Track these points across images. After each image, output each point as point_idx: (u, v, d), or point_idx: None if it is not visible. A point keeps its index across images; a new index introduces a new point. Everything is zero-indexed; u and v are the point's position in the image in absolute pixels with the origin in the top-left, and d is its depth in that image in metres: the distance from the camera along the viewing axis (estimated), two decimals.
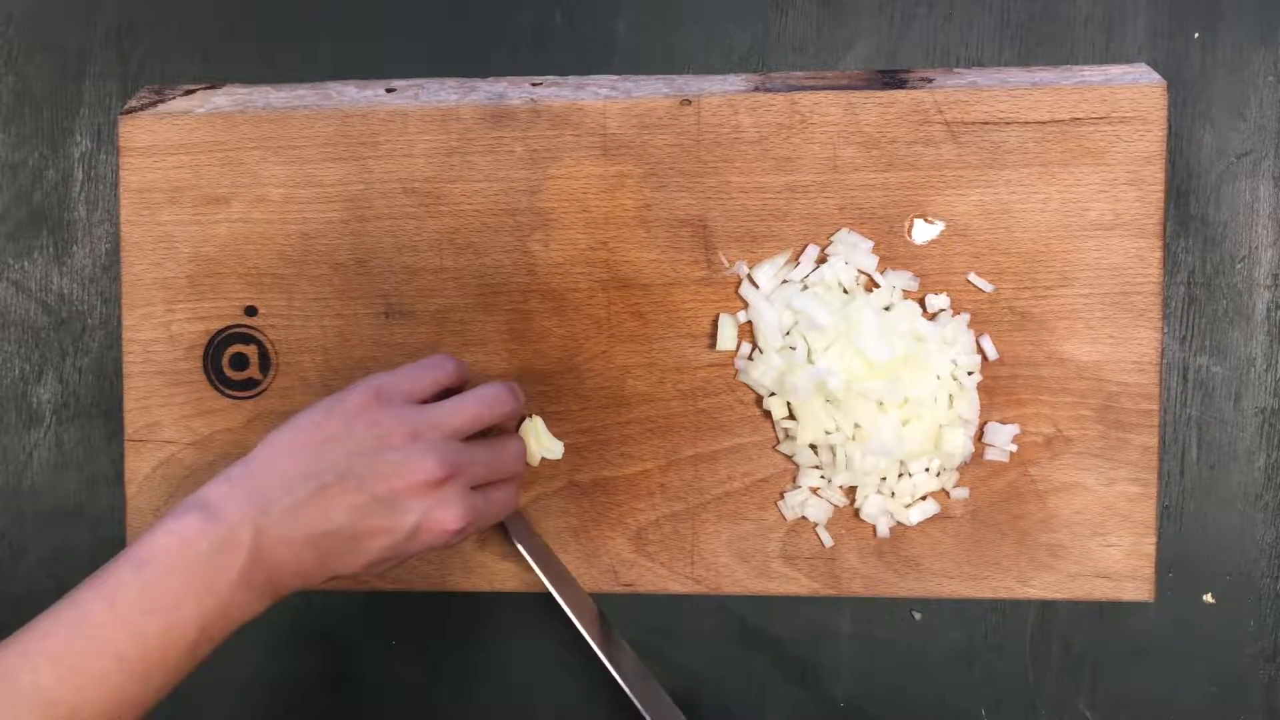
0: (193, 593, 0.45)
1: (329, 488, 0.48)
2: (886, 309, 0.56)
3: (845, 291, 0.57)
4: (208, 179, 0.59)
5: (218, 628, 0.46)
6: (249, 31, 0.64)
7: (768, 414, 0.58)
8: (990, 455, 0.57)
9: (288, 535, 0.47)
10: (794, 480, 0.58)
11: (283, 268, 0.59)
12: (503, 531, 0.58)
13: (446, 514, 0.48)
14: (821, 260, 0.57)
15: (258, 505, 0.47)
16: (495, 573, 0.59)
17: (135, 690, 0.45)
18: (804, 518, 0.58)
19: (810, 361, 0.55)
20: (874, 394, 0.54)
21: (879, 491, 0.57)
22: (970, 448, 0.57)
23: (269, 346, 0.60)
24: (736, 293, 0.58)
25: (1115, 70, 0.57)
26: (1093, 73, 0.57)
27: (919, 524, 0.57)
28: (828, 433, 0.56)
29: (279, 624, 0.63)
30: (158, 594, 0.45)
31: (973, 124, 0.56)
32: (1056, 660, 0.61)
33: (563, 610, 0.57)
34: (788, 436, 0.57)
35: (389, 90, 0.60)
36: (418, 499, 0.48)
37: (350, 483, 0.48)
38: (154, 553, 0.46)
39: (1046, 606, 0.61)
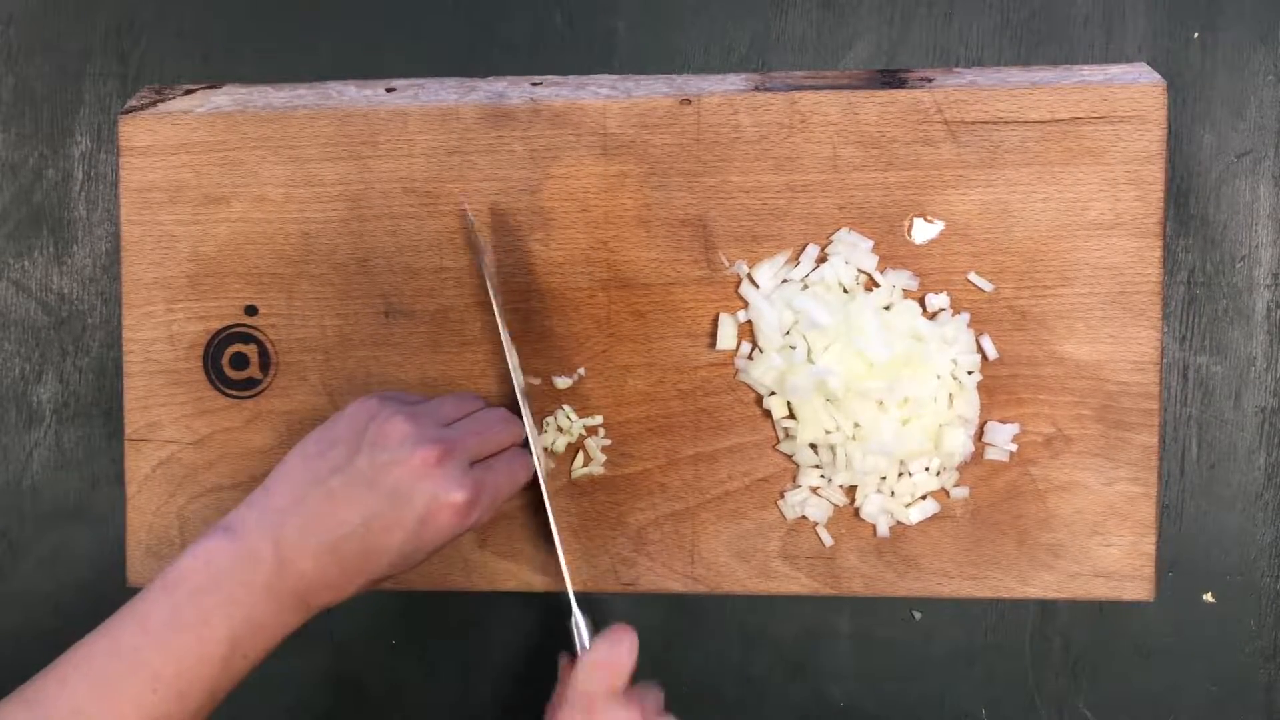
0: (220, 607, 0.46)
1: (335, 490, 0.48)
2: (886, 308, 0.56)
3: (845, 291, 0.57)
4: (208, 178, 0.59)
5: (249, 643, 0.47)
6: (249, 31, 0.64)
7: (768, 413, 0.58)
8: (990, 455, 0.57)
9: (306, 544, 0.48)
10: (794, 480, 0.58)
11: (283, 267, 0.59)
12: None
13: (450, 491, 0.48)
14: (821, 260, 0.57)
15: (274, 519, 0.48)
16: (495, 573, 0.59)
17: (172, 710, 0.46)
18: (804, 517, 0.58)
19: (810, 361, 0.55)
20: (874, 394, 0.54)
21: (879, 491, 0.57)
22: (970, 447, 0.56)
23: (269, 346, 0.60)
24: (736, 292, 0.58)
25: (1115, 70, 0.57)
26: (1092, 72, 0.57)
27: (919, 523, 0.57)
28: (828, 432, 0.56)
29: None
30: (187, 611, 0.46)
31: (973, 124, 0.56)
32: (1056, 660, 0.61)
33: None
34: (788, 436, 0.57)
35: (389, 90, 0.60)
36: (420, 483, 0.48)
37: (355, 480, 0.48)
38: (181, 574, 0.47)
39: (1046, 606, 0.61)
